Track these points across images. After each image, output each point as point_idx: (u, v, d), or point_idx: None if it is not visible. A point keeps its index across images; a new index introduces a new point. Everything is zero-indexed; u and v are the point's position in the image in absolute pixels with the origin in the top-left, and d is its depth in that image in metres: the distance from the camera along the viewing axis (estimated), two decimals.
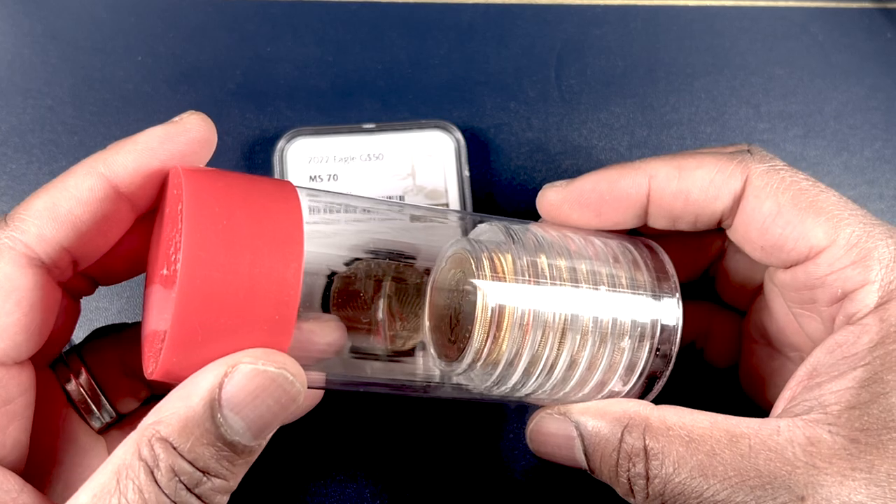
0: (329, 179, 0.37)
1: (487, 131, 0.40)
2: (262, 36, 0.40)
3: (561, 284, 0.26)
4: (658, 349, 0.27)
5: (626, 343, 0.26)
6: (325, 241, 0.37)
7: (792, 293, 0.27)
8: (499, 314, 0.25)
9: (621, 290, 0.27)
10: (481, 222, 0.29)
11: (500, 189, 0.39)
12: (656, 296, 0.27)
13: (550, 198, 0.29)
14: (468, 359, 0.26)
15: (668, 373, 0.27)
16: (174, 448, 0.21)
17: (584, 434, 0.26)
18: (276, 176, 0.37)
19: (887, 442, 0.23)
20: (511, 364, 0.26)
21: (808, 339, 0.28)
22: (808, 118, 0.41)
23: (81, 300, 0.28)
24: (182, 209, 0.21)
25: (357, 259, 0.35)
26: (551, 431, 0.27)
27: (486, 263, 0.26)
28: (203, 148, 0.25)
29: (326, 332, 0.28)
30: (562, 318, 0.26)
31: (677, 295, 0.27)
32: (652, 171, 0.28)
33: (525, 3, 0.42)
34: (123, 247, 0.26)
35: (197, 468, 0.21)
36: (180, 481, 0.21)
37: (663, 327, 0.27)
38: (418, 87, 0.40)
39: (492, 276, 0.26)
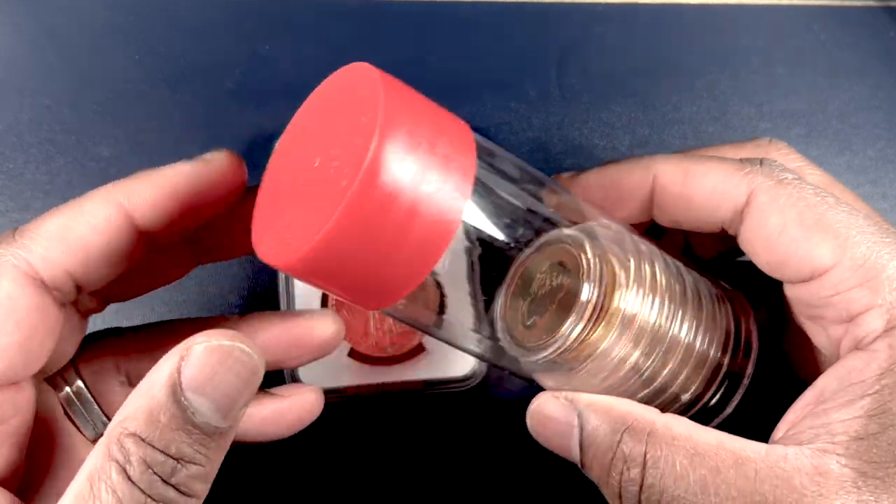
0: None
1: (487, 130, 0.39)
2: (260, 34, 0.40)
3: (669, 300, 0.25)
4: (718, 399, 0.27)
5: (698, 381, 0.26)
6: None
7: (799, 307, 0.27)
8: (601, 311, 0.24)
9: (710, 328, 0.26)
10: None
11: None
12: (735, 352, 0.27)
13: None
14: (552, 349, 0.25)
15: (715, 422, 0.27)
16: (143, 440, 0.20)
17: (585, 425, 0.25)
18: None
19: (894, 475, 0.22)
20: (598, 361, 0.25)
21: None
22: (810, 117, 0.41)
23: None
24: (377, 123, 0.21)
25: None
26: (553, 415, 0.26)
27: (598, 259, 0.25)
28: (232, 192, 0.25)
29: (322, 328, 0.28)
30: (661, 332, 0.25)
31: (752, 361, 0.27)
32: (658, 169, 0.27)
33: (526, 2, 0.42)
34: (135, 273, 0.26)
35: (170, 456, 0.21)
36: (154, 473, 0.20)
37: (730, 385, 0.27)
38: (418, 86, 0.40)
39: (603, 273, 0.25)
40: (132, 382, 0.28)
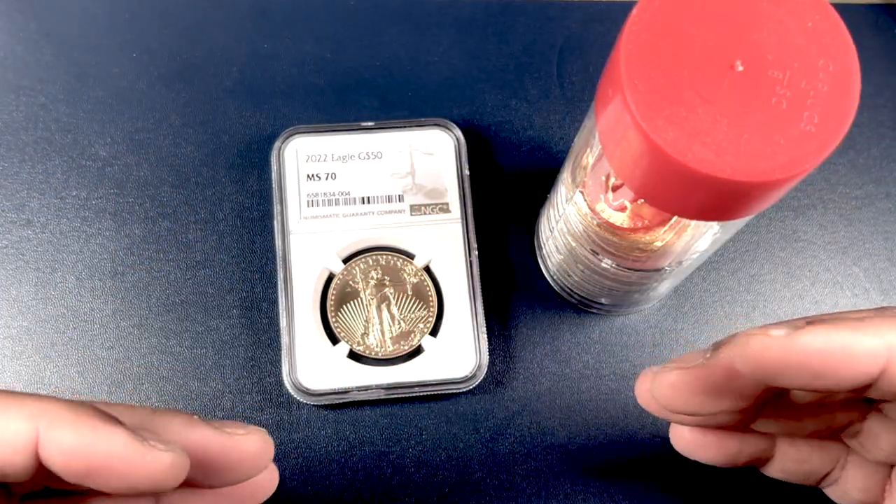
0: (327, 178, 0.37)
1: (488, 129, 0.39)
2: (259, 32, 0.40)
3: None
4: None
5: None
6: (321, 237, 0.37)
7: None
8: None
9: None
10: None
11: (501, 188, 0.38)
12: None
13: (770, 346, 0.22)
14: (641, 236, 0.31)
15: None
16: None
17: None
18: (273, 175, 0.37)
19: None
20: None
21: None
22: None
23: None
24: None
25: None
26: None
27: None
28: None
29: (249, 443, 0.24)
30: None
31: None
32: (892, 338, 0.22)
33: (526, 0, 0.41)
34: None
35: None
36: None
37: None
38: (418, 85, 0.40)
39: None
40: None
